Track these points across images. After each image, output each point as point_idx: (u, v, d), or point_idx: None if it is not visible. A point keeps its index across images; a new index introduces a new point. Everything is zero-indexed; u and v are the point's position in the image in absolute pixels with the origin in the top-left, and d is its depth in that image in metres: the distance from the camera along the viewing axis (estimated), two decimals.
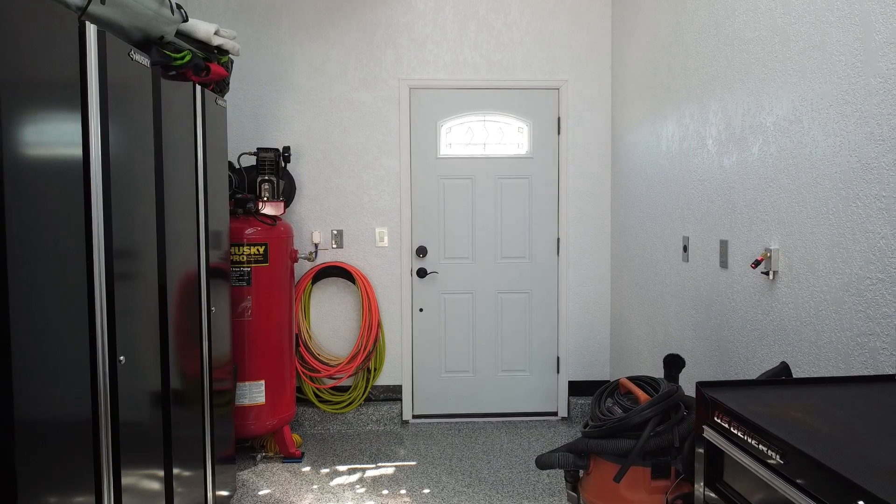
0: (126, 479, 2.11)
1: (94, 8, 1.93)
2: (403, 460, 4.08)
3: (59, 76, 1.74)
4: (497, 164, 4.73)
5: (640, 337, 4.16)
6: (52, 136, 1.70)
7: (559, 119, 4.70)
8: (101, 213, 1.94)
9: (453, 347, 4.78)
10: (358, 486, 3.71)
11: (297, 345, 4.51)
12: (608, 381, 4.68)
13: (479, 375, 4.81)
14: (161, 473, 2.47)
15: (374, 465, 4.00)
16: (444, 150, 4.71)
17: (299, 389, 4.52)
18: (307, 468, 3.99)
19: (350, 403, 4.62)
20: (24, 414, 1.52)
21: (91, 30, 1.87)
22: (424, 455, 4.16)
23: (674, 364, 2.84)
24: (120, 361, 2.04)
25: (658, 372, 3.66)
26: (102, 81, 1.93)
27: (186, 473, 2.75)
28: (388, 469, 3.95)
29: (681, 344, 3.47)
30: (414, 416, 4.78)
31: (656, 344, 3.85)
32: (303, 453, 4.17)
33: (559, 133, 4.71)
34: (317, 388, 4.59)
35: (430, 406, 4.80)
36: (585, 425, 2.72)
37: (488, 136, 4.73)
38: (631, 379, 2.82)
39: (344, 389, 4.66)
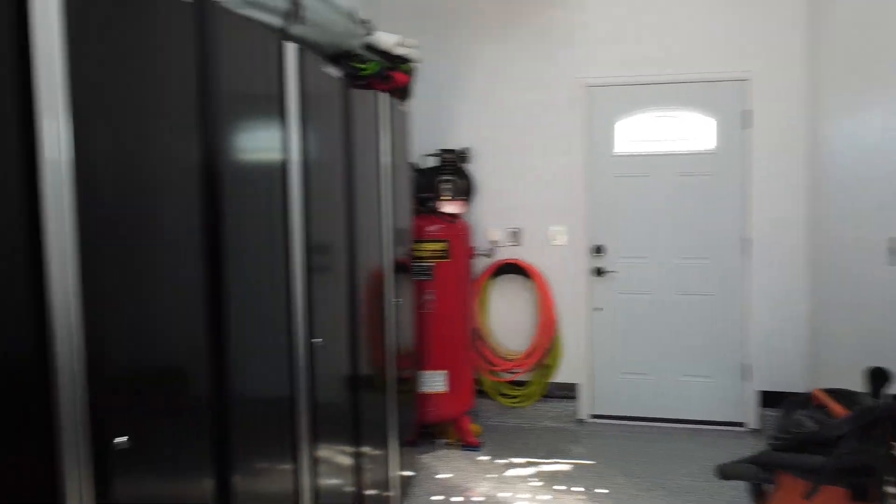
0: (320, 453, 2.32)
1: (294, 28, 2.16)
2: (579, 458, 4.06)
3: (264, 89, 1.97)
4: (677, 161, 4.54)
5: (839, 346, 3.78)
6: (259, 143, 1.93)
7: (746, 112, 4.40)
8: (299, 211, 2.16)
9: (631, 349, 4.67)
10: (533, 480, 3.76)
11: (476, 339, 4.65)
12: (803, 392, 4.31)
13: (659, 379, 4.65)
14: (351, 450, 2.69)
15: (549, 461, 4.03)
16: (621, 148, 4.61)
17: (478, 381, 4.66)
18: (485, 457, 4.11)
19: (527, 399, 4.69)
20: (237, 390, 1.75)
21: (291, 48, 2.10)
22: (600, 455, 4.11)
23: (878, 377, 2.56)
24: (316, 343, 2.26)
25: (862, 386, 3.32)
26: (300, 93, 2.15)
27: (373, 452, 2.96)
28: (563, 466, 3.96)
29: (887, 356, 3.11)
30: (591, 416, 4.74)
31: (859, 354, 3.48)
32: (481, 443, 4.31)
33: (746, 127, 4.41)
34: (495, 382, 4.70)
35: (607, 407, 4.72)
36: (773, 437, 2.55)
37: (667, 132, 4.55)
38: (826, 391, 2.60)
39: (521, 384, 4.73)
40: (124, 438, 1.24)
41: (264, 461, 1.94)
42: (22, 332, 1.07)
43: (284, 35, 2.15)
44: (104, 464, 1.19)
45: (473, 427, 4.37)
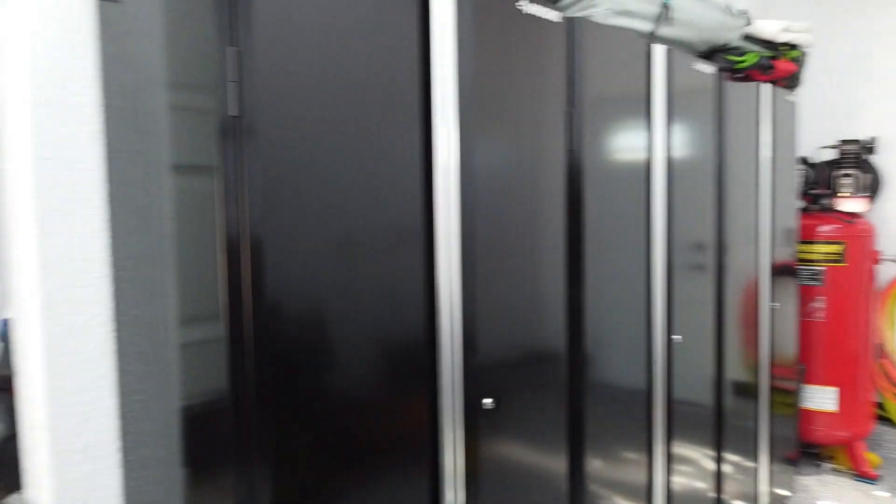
0: (676, 450, 2.34)
1: (663, 30, 2.20)
2: None
3: (630, 92, 2.06)
4: None
5: None
6: (623, 143, 2.04)
7: None
8: (661, 209, 2.20)
9: None
10: None
11: (880, 356, 4.04)
12: None
13: None
14: (711, 454, 2.62)
15: None
16: None
17: (880, 405, 4.04)
18: (883, 493, 3.57)
19: None
20: (593, 376, 1.89)
21: (658, 49, 2.15)
22: None
23: None
24: (675, 340, 2.27)
25: None
26: (667, 92, 2.18)
27: (739, 461, 2.83)
28: None
29: None
30: None
31: None
32: (879, 476, 3.74)
33: None
34: None
35: None
36: None
37: None
38: None
39: None
40: (490, 400, 1.47)
41: (616, 448, 2.04)
42: (418, 320, 1.36)
43: (652, 38, 2.21)
44: (473, 420, 1.44)
45: (870, 456, 3.81)
